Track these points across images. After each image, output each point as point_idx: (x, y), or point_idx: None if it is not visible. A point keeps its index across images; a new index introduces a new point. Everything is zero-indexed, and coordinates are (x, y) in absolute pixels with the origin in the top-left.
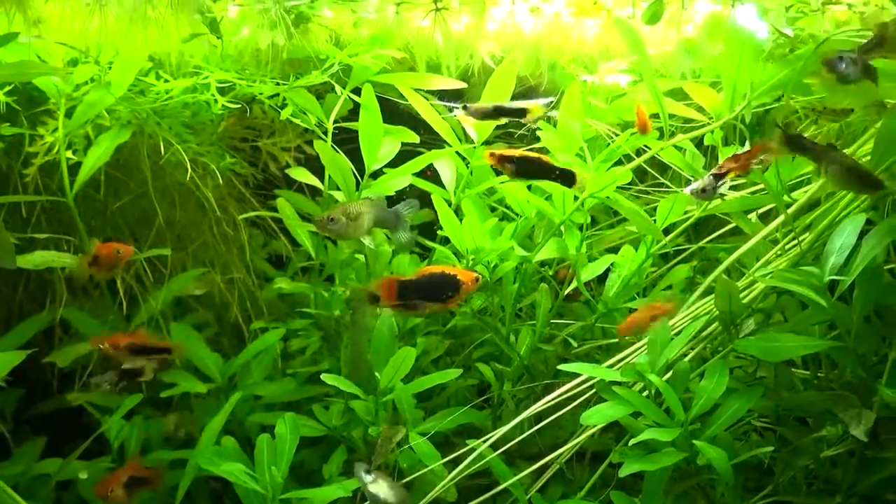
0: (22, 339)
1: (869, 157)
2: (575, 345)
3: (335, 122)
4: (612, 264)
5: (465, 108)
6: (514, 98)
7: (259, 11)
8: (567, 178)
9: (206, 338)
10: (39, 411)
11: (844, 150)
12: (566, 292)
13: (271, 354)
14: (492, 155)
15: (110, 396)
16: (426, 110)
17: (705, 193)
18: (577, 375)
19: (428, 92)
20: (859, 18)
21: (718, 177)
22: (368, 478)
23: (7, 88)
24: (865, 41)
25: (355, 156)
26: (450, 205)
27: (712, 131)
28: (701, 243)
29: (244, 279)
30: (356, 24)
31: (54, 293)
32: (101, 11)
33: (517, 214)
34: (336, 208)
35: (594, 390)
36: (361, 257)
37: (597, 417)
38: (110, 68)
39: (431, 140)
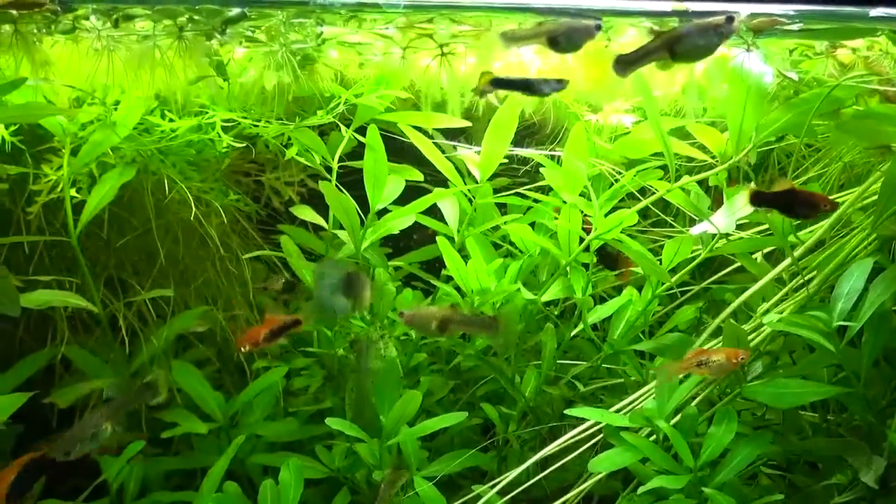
0: (22, 377)
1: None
2: (581, 388)
3: (339, 159)
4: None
5: None
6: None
7: (265, 54)
8: None
9: (208, 375)
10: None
11: (854, 190)
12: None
13: (274, 393)
14: None
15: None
16: (429, 149)
17: None
18: (583, 419)
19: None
20: (863, 62)
21: None
22: None
23: (13, 128)
24: None
25: (358, 188)
26: (453, 243)
27: (718, 173)
28: (706, 283)
29: (247, 315)
30: (361, 66)
31: (55, 330)
32: (110, 55)
33: (521, 251)
34: None
35: (601, 433)
36: None
37: (605, 464)
38: (116, 108)
39: (436, 176)
